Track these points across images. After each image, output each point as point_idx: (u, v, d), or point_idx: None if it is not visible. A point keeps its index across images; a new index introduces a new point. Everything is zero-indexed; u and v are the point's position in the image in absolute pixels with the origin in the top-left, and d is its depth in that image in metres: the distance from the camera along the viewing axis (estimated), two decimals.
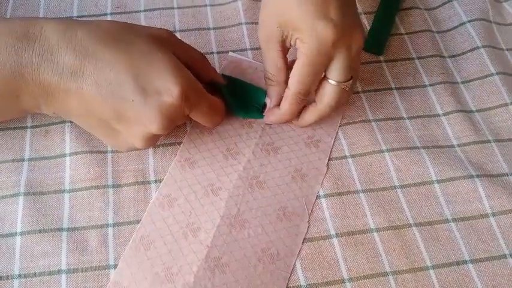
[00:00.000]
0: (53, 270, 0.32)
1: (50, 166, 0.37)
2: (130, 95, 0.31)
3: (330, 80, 0.34)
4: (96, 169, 0.36)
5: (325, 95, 0.35)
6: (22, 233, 0.33)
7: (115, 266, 0.33)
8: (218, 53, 0.43)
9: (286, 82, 0.36)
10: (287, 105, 0.36)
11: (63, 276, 0.32)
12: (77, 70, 0.30)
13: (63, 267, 0.32)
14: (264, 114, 0.39)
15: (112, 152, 0.37)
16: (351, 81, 0.35)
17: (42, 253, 0.33)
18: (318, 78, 0.35)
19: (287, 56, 0.36)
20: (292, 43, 0.35)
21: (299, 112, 0.37)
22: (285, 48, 0.35)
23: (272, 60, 0.36)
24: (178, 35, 0.44)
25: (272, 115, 0.38)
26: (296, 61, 0.34)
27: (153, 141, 0.34)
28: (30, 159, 0.37)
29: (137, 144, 0.33)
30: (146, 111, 0.31)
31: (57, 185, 0.36)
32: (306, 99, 0.36)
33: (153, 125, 0.31)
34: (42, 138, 0.38)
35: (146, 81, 0.31)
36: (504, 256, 0.34)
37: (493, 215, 0.36)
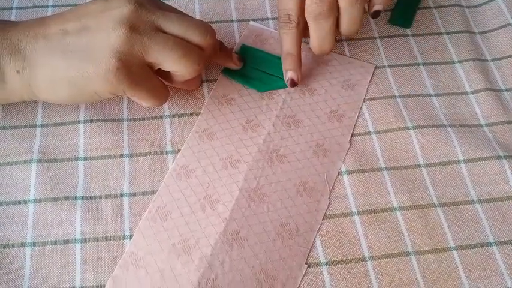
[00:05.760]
0: (67, 239, 0.32)
1: (63, 133, 0.35)
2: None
3: None
4: (111, 138, 0.35)
5: None
6: (35, 201, 0.32)
7: (130, 237, 0.32)
8: (238, 21, 0.41)
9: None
10: (282, 37, 0.35)
11: (78, 245, 0.31)
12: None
13: (78, 236, 0.32)
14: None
15: (128, 120, 0.36)
16: None
17: (55, 221, 0.32)
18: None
19: None
20: None
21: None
22: None
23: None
24: (196, 0, 0.42)
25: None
26: None
27: (125, 66, 0.30)
28: (42, 126, 0.36)
29: (108, 65, 0.29)
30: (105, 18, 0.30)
31: (71, 153, 0.35)
32: (293, 22, 0.34)
33: (116, 30, 0.29)
34: (55, 104, 0.36)
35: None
36: None
37: None
